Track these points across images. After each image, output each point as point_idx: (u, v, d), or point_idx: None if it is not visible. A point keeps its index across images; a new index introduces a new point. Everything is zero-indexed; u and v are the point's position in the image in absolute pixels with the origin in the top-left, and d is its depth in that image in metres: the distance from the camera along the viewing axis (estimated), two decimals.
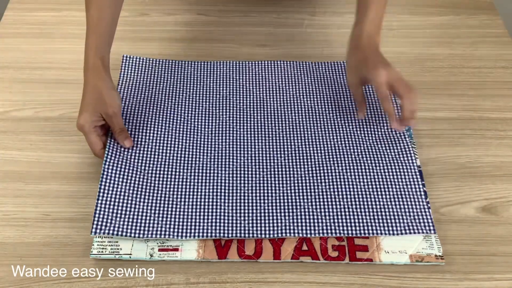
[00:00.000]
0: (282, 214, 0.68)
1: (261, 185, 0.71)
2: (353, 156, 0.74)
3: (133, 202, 0.68)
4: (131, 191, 0.69)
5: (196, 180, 0.71)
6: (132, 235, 0.65)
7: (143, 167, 0.72)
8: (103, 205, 0.66)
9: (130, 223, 0.66)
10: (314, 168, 0.73)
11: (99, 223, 0.65)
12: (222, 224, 0.67)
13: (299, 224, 0.67)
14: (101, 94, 0.69)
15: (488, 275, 0.64)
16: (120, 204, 0.67)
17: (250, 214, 0.68)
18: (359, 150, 0.75)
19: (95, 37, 0.70)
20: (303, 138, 0.77)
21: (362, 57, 0.72)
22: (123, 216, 0.66)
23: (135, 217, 0.66)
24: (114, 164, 0.71)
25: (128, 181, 0.69)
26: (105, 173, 0.69)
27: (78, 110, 0.69)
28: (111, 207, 0.66)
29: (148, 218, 0.67)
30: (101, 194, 0.67)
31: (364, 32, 0.72)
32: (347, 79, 0.76)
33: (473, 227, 0.69)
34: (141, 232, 0.65)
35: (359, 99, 0.76)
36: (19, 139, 0.76)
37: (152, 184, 0.70)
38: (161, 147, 0.74)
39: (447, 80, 0.87)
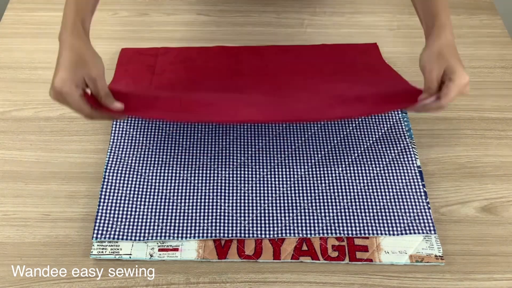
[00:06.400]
0: (282, 214, 0.68)
1: (261, 185, 0.71)
2: (353, 156, 0.74)
3: (134, 205, 0.68)
4: (131, 195, 0.69)
5: (196, 181, 0.71)
6: (133, 238, 0.65)
7: (143, 170, 0.72)
8: (104, 211, 0.67)
9: (130, 227, 0.66)
10: (314, 169, 0.73)
11: (100, 228, 0.65)
12: (222, 224, 0.67)
13: (299, 224, 0.67)
14: (81, 54, 0.58)
15: (488, 275, 0.64)
16: (121, 208, 0.67)
17: (250, 214, 0.68)
18: (359, 151, 0.75)
19: (76, 1, 0.62)
20: (303, 138, 0.77)
21: (447, 50, 0.64)
22: (123, 220, 0.66)
23: (136, 220, 0.67)
24: (114, 169, 0.71)
25: (129, 185, 0.70)
26: (106, 179, 0.70)
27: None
28: (112, 212, 0.67)
29: (148, 221, 0.67)
30: (102, 200, 0.68)
31: (444, 37, 0.65)
32: (427, 67, 0.65)
33: (473, 227, 0.69)
34: (141, 235, 0.65)
35: (434, 88, 0.63)
36: (19, 139, 0.76)
37: (152, 187, 0.70)
38: (162, 149, 0.74)
39: None
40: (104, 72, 0.62)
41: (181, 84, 0.78)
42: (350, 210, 0.69)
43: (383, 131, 0.78)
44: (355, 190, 0.71)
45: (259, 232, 0.66)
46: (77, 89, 0.58)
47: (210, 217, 0.67)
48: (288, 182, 0.71)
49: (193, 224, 0.67)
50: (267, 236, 0.66)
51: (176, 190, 0.70)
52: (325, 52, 0.89)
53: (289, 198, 0.70)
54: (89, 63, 0.59)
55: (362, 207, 0.69)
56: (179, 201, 0.69)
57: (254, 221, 0.67)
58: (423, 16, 0.70)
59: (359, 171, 0.73)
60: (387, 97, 0.68)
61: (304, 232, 0.66)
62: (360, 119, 0.79)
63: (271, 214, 0.68)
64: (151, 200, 0.69)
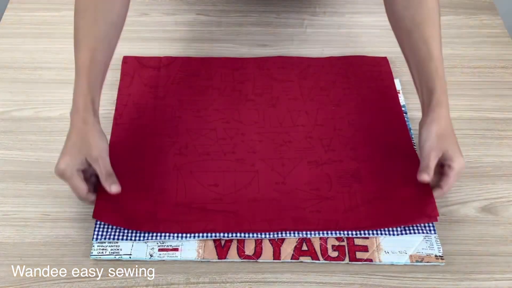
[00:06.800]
0: None
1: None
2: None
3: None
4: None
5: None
6: (133, 238, 0.65)
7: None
8: None
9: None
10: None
11: (100, 229, 0.65)
12: None
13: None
14: (86, 136, 0.64)
15: (488, 275, 0.64)
16: None
17: None
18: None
19: (86, 79, 0.65)
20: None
21: (446, 133, 0.66)
22: None
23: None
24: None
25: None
26: None
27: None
28: None
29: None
30: None
31: (443, 119, 0.67)
32: (426, 146, 0.66)
33: (473, 227, 0.69)
34: (141, 235, 0.65)
35: (432, 167, 0.65)
36: (19, 139, 0.76)
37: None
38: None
39: (447, 80, 0.86)
40: (108, 151, 0.66)
41: (183, 119, 0.78)
42: None
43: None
44: None
45: (259, 232, 0.66)
46: (78, 173, 0.63)
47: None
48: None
49: None
50: (267, 236, 0.66)
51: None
52: (332, 69, 0.86)
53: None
54: (91, 144, 0.64)
55: None
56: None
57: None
58: (419, 86, 0.71)
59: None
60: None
61: (304, 232, 0.66)
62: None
63: None
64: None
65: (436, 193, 0.67)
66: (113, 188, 0.65)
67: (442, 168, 0.66)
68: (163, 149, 0.73)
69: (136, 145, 0.73)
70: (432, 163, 0.65)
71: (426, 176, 0.65)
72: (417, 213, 0.66)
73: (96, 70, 0.67)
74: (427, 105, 0.68)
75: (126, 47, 0.90)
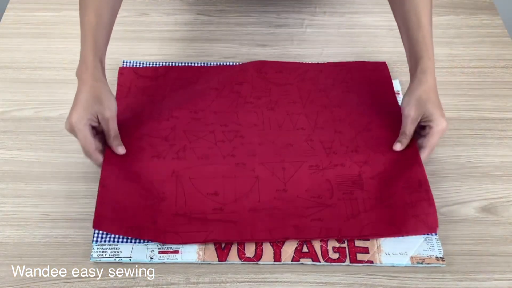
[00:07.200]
0: None
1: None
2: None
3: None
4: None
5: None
6: (133, 241, 0.64)
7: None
8: None
9: None
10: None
11: (100, 231, 0.65)
12: None
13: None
14: (99, 93, 0.66)
15: (488, 275, 0.64)
16: None
17: None
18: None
19: (93, 39, 0.68)
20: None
21: (427, 97, 0.69)
22: None
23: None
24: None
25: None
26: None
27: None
28: None
29: None
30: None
31: (425, 84, 0.69)
32: (405, 111, 0.70)
33: (473, 227, 0.69)
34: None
35: (407, 133, 0.71)
36: (19, 139, 0.76)
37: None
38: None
39: (447, 80, 0.87)
40: (116, 114, 0.69)
41: (181, 120, 0.77)
42: None
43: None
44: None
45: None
46: (89, 127, 0.66)
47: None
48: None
49: None
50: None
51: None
52: (330, 73, 0.85)
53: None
54: (104, 104, 0.66)
55: None
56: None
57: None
58: (408, 53, 0.74)
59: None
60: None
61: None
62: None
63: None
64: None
65: (421, 154, 0.70)
66: (120, 149, 0.69)
67: (424, 130, 0.70)
68: (161, 153, 0.72)
69: (133, 150, 0.72)
70: (409, 128, 0.69)
71: (398, 145, 0.70)
72: (418, 223, 0.65)
73: (102, 31, 0.69)
74: (413, 73, 0.71)
75: (126, 47, 0.90)
